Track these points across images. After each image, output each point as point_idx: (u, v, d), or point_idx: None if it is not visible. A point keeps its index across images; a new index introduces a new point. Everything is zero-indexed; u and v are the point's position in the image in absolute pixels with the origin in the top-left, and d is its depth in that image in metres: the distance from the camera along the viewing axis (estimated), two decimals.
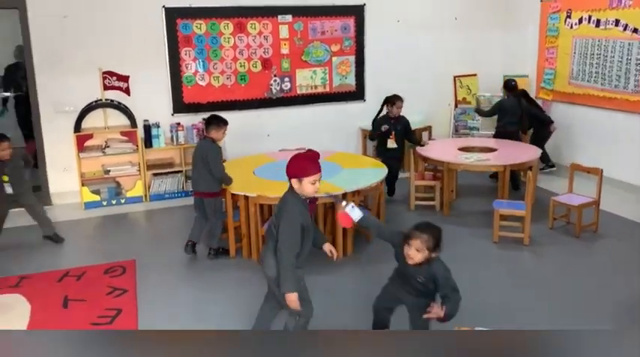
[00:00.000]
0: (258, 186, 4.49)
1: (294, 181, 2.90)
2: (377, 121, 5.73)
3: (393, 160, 5.59)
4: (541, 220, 5.01)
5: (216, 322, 3.60)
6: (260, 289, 3.96)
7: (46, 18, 5.62)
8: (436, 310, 2.81)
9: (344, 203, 3.12)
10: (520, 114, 6.01)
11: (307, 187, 2.89)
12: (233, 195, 4.45)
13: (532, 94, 6.95)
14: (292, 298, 2.83)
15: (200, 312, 3.74)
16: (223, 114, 6.34)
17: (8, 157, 4.65)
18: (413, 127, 6.83)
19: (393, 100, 5.61)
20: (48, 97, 5.76)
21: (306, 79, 6.73)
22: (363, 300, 3.84)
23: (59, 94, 5.77)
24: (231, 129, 6.30)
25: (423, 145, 5.79)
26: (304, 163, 2.91)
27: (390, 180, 5.66)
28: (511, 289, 3.93)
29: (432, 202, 5.55)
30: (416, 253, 2.78)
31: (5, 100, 7.31)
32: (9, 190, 4.71)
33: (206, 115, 6.20)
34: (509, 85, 6.10)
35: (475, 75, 7.24)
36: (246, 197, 4.37)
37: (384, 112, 5.70)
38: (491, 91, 7.15)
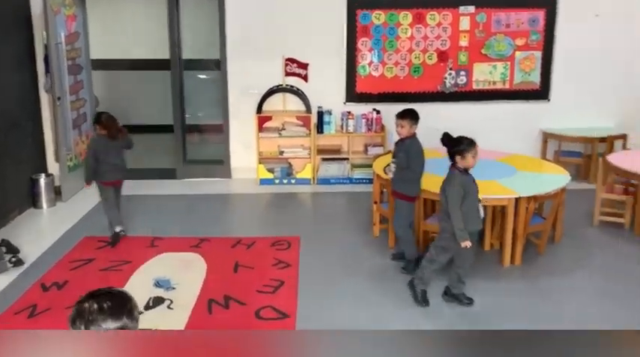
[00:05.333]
0: (425, 180, 4.36)
1: None
2: None
3: None
4: None
5: (365, 307, 3.60)
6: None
7: (241, 7, 6.09)
8: None
9: None
10: None
11: None
12: None
13: None
14: None
15: (356, 296, 3.77)
16: (394, 106, 6.37)
17: None
18: (603, 134, 6.13)
19: None
20: (237, 79, 6.28)
21: (484, 74, 6.37)
22: (527, 312, 3.57)
23: (246, 77, 6.24)
24: None
25: None
26: None
27: None
28: None
29: (620, 220, 4.89)
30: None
31: None
32: None
33: (377, 106, 6.32)
34: None
35: None
36: None
37: None
38: None
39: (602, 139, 6.03)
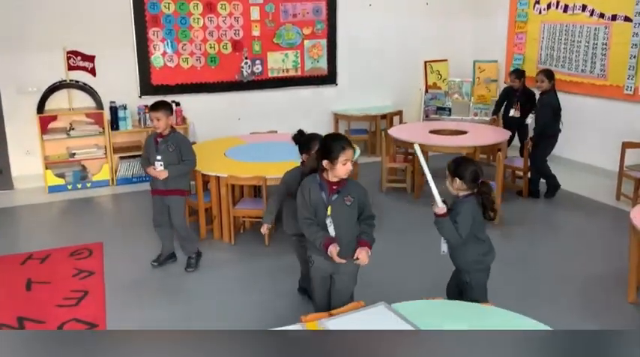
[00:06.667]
0: (230, 167, 4.43)
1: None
2: None
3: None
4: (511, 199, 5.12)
5: (186, 302, 3.54)
6: (232, 270, 3.96)
7: None
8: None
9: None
10: None
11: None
12: (204, 175, 4.36)
13: (501, 80, 7.05)
14: None
15: (170, 292, 3.67)
16: (193, 97, 6.29)
17: None
18: (383, 111, 6.92)
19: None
20: (9, 76, 5.54)
21: (278, 63, 6.64)
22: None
23: (21, 73, 5.55)
24: (201, 112, 6.29)
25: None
26: None
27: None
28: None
29: (403, 185, 5.58)
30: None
31: None
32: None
33: (176, 97, 6.15)
34: None
35: (446, 60, 7.28)
36: (218, 178, 4.29)
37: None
38: (461, 77, 7.22)
39: (383, 117, 6.84)
